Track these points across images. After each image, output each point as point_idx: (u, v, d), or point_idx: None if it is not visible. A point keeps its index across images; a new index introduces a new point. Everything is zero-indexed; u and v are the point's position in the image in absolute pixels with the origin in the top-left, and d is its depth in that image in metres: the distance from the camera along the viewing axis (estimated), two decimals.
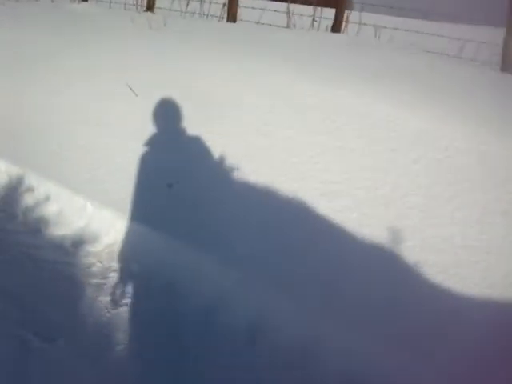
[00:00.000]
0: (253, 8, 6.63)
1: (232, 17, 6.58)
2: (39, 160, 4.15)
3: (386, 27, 5.80)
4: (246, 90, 4.47)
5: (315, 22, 5.87)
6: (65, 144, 4.32)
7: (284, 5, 6.46)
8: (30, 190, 4.00)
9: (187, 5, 6.70)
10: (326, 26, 6.01)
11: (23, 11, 6.96)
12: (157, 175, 3.74)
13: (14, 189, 4.04)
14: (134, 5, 7.23)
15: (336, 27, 6.10)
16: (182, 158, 3.83)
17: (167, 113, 4.17)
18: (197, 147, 3.87)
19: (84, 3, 7.53)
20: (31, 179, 4.09)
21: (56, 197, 3.90)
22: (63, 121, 4.53)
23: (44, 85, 5.02)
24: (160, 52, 5.09)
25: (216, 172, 3.71)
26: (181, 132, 3.95)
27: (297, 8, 6.33)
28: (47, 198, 3.92)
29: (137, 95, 4.38)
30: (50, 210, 3.86)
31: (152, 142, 3.93)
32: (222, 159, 3.73)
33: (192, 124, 4.02)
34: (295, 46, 5.27)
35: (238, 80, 4.62)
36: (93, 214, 3.67)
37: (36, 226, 3.72)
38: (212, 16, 6.64)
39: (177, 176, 3.72)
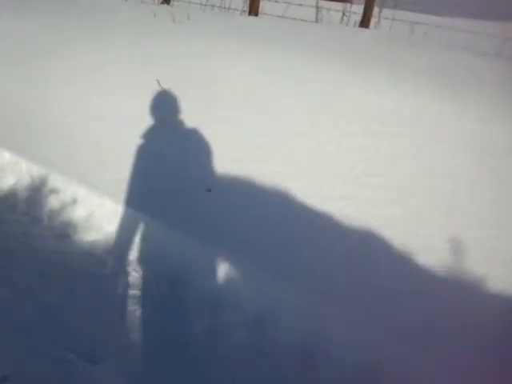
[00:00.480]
0: (276, 1, 6.34)
1: (254, 10, 6.29)
2: (62, 160, 4.01)
3: (419, 23, 5.53)
4: (273, 87, 4.29)
5: (345, 17, 5.54)
6: (86, 142, 4.17)
7: None
8: (55, 191, 3.69)
9: None
10: (355, 22, 5.72)
11: (32, 5, 6.65)
12: (185, 176, 3.66)
13: (37, 190, 3.77)
14: None
15: (364, 22, 5.86)
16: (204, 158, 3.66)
17: (188, 109, 4.06)
18: (217, 144, 3.75)
19: None
20: (55, 180, 3.80)
21: (83, 199, 3.64)
22: (89, 117, 4.37)
23: (67, 81, 4.92)
24: (185, 46, 4.94)
25: (241, 173, 3.57)
26: (199, 130, 3.86)
27: (325, 3, 6.03)
28: (74, 201, 3.65)
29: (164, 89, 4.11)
30: (78, 213, 3.67)
31: (176, 141, 3.85)
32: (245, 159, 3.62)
33: (210, 120, 3.94)
34: (322, 41, 5.02)
35: (264, 77, 4.44)
36: None
37: (63, 231, 3.55)
38: (233, 9, 6.30)
39: (201, 178, 3.60)
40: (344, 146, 3.48)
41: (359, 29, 5.81)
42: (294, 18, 6.12)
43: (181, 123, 3.86)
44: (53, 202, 3.78)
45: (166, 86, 4.25)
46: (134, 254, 3.26)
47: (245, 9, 6.50)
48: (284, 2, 6.33)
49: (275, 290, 2.69)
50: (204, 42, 4.94)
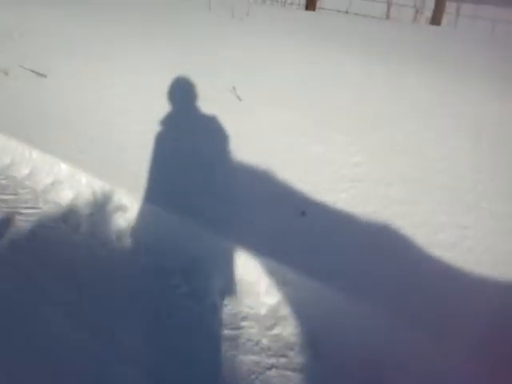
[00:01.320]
0: None
1: (312, 5, 5.89)
2: (125, 176, 3.67)
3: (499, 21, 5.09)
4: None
5: (418, 14, 5.13)
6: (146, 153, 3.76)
7: None
8: (122, 209, 3.28)
9: None
10: (426, 18, 5.30)
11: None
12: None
13: (102, 207, 3.37)
14: None
15: (436, 19, 5.42)
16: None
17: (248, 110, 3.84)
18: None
19: None
20: (121, 196, 3.44)
21: (152, 217, 3.29)
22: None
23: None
24: (246, 44, 4.64)
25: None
26: (282, 138, 3.65)
27: None
28: (143, 220, 3.32)
29: (240, 100, 3.82)
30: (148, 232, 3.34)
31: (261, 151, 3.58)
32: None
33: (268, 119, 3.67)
34: (390, 40, 4.61)
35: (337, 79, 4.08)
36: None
37: (135, 257, 3.18)
38: (289, 4, 5.90)
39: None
40: (461, 165, 3.01)
41: (429, 26, 5.36)
42: (357, 14, 5.65)
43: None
44: (119, 221, 3.36)
45: (233, 83, 3.97)
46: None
47: (301, 3, 6.00)
48: None
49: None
50: (267, 40, 4.54)
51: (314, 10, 6.02)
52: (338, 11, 5.68)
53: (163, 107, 4.02)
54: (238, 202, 3.19)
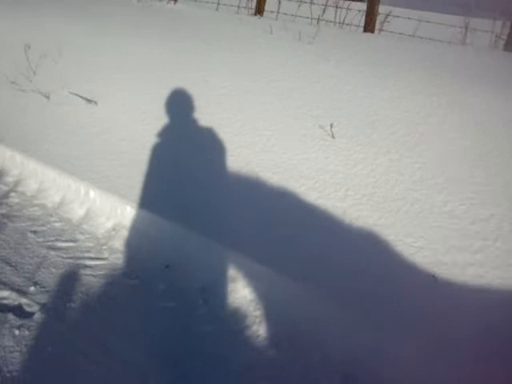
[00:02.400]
0: (399, 17, 5.56)
1: (371, 27, 5.50)
2: (199, 218, 3.30)
3: None
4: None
5: (496, 39, 4.75)
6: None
7: (436, 15, 5.37)
8: (202, 261, 3.04)
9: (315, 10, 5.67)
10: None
11: (110, 12, 5.94)
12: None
13: (180, 259, 2.95)
14: (245, 8, 6.07)
15: (508, 45, 5.03)
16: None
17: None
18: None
19: (179, 4, 6.48)
20: (201, 245, 3.17)
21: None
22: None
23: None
24: (323, 70, 4.30)
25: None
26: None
27: (472, 21, 5.24)
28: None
29: (334, 138, 3.55)
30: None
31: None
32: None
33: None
34: (463, 66, 4.23)
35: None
36: None
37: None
38: (346, 24, 5.52)
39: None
40: None
41: (503, 53, 4.98)
42: (421, 37, 5.27)
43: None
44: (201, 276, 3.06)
45: (321, 117, 3.69)
46: None
47: (360, 24, 5.62)
48: (411, 19, 5.48)
49: None
50: (346, 67, 4.32)
51: (372, 32, 5.61)
52: (401, 34, 5.25)
53: (231, 142, 3.71)
54: None
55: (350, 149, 3.38)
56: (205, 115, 3.88)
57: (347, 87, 3.93)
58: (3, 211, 3.54)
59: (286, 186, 3.18)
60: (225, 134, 3.71)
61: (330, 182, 3.18)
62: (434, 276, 2.66)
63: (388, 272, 2.64)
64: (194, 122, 3.84)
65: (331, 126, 3.37)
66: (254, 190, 3.22)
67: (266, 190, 3.21)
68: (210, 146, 3.63)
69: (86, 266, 3.06)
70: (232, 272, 2.83)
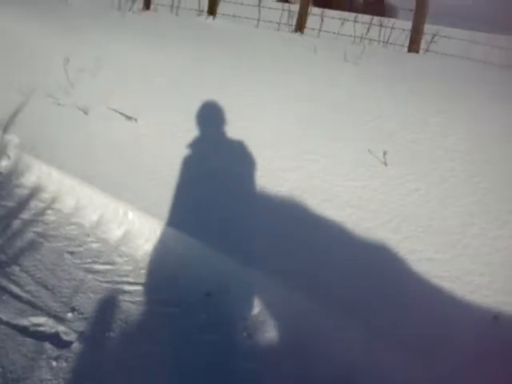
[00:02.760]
0: (446, 37, 5.39)
1: (415, 47, 5.34)
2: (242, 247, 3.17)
3: None
4: None
5: None
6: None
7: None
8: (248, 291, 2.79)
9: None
10: None
11: (148, 26, 5.87)
12: None
13: (222, 287, 2.79)
14: (286, 24, 5.96)
15: None
16: None
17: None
18: None
19: (217, 19, 6.40)
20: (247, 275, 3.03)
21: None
22: None
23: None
24: (372, 92, 4.22)
25: None
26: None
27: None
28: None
29: (386, 165, 3.42)
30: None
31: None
32: None
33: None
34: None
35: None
36: None
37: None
38: (390, 43, 5.36)
39: None
40: None
41: None
42: (470, 59, 5.09)
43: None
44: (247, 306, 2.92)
45: (371, 142, 3.57)
46: None
47: (405, 44, 5.46)
48: (462, 40, 5.31)
49: None
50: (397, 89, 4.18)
51: (417, 51, 5.46)
52: (450, 55, 5.08)
53: (272, 164, 3.61)
54: None
55: (403, 177, 3.23)
56: (244, 137, 3.75)
57: (398, 112, 3.76)
58: (39, 229, 3.45)
59: (335, 215, 3.04)
60: (266, 156, 3.56)
61: (382, 211, 3.02)
62: (495, 317, 2.49)
63: (446, 312, 2.50)
64: (234, 143, 3.74)
65: (384, 153, 3.21)
66: (299, 218, 3.11)
67: (313, 218, 3.09)
68: (249, 168, 3.50)
69: (125, 292, 2.95)
70: (278, 305, 2.67)
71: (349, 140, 3.62)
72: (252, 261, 2.90)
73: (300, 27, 6.35)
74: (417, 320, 2.49)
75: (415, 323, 2.47)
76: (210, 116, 4.07)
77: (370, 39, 5.74)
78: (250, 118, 3.97)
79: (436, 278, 2.65)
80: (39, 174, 4.12)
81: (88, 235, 3.47)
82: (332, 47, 5.01)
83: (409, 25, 5.69)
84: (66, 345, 2.53)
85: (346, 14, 6.32)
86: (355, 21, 5.85)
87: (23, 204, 3.83)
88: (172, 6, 7.05)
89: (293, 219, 3.12)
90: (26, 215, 3.68)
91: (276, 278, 2.78)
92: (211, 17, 6.71)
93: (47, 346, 2.50)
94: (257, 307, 2.77)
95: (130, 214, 3.47)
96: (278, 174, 3.43)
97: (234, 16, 6.88)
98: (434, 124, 3.67)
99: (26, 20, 6.64)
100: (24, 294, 2.85)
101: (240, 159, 3.63)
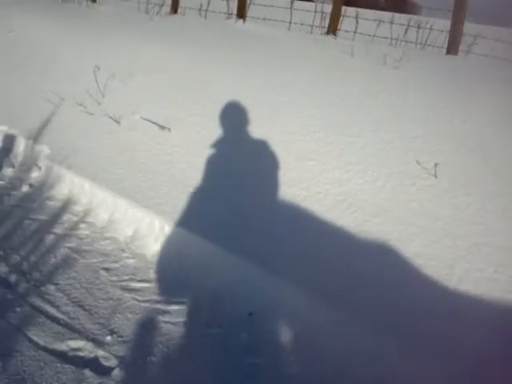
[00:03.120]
0: (486, 38, 5.17)
1: (454, 49, 5.12)
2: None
3: None
4: None
5: None
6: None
7: None
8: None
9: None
10: None
11: (178, 31, 5.76)
12: None
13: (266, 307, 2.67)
14: (318, 27, 5.79)
15: None
16: None
17: None
18: None
19: (248, 23, 6.24)
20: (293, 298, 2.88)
21: None
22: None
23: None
24: (402, 99, 4.00)
25: None
26: None
27: None
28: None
29: (436, 177, 3.27)
30: None
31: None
32: None
33: None
34: None
35: None
36: None
37: None
38: (428, 45, 5.15)
39: None
40: None
41: None
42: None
43: None
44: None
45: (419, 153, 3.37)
46: None
47: (443, 45, 5.24)
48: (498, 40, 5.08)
49: None
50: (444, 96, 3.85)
51: (456, 53, 5.26)
52: (487, 56, 4.87)
53: (318, 177, 3.46)
54: None
55: (455, 190, 3.05)
56: (285, 147, 3.60)
57: (444, 119, 3.59)
58: (73, 244, 3.35)
59: (384, 231, 2.87)
60: (311, 168, 3.42)
61: (434, 228, 2.84)
62: None
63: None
64: (274, 153, 3.59)
65: (435, 165, 3.04)
66: (345, 236, 2.95)
67: (361, 236, 2.90)
68: (294, 180, 3.35)
69: (164, 312, 2.82)
70: (326, 326, 2.52)
71: (393, 150, 3.45)
72: (296, 280, 2.81)
73: (333, 29, 6.17)
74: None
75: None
76: (247, 125, 3.94)
77: (407, 41, 5.52)
78: (287, 126, 3.83)
79: (494, 300, 2.47)
80: (71, 185, 4.02)
81: (123, 250, 3.35)
82: (369, 50, 4.84)
83: (447, 25, 5.47)
84: (107, 371, 2.42)
85: (381, 15, 6.12)
86: (391, 22, 5.64)
87: (55, 217, 3.73)
88: (200, 10, 6.89)
89: (338, 236, 2.96)
90: (58, 229, 3.57)
91: (321, 298, 2.64)
92: (241, 20, 6.56)
93: (87, 373, 2.40)
94: (302, 328, 2.60)
95: (167, 228, 3.33)
96: (321, 186, 3.26)
97: (264, 19, 6.72)
98: (491, 133, 3.47)
99: (53, 27, 6.59)
100: (61, 316, 2.74)
101: (280, 170, 3.48)
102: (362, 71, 4.42)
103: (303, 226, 3.07)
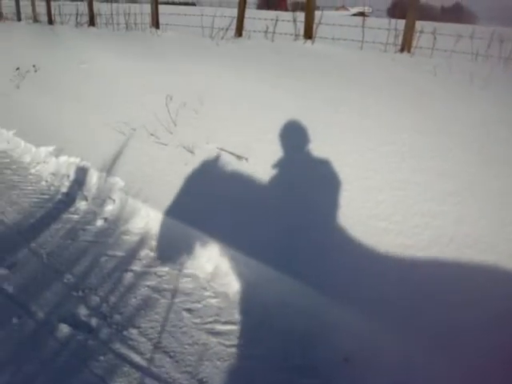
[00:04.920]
0: None
1: None
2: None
3: None
4: None
5: None
6: None
7: None
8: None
9: None
10: None
11: (246, 54, 5.82)
12: None
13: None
14: (393, 44, 5.50)
15: None
16: None
17: None
18: None
19: (316, 43, 6.03)
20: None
21: None
22: None
23: None
24: (495, 127, 3.72)
25: None
26: None
27: None
28: None
29: None
30: None
31: None
32: None
33: None
34: None
35: None
36: None
37: None
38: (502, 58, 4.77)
39: None
40: None
41: None
42: None
43: None
44: None
45: None
46: None
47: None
48: None
49: None
50: None
51: None
52: None
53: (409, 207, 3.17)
54: None
55: None
56: (376, 175, 3.36)
57: None
58: (153, 283, 3.23)
59: (497, 271, 2.57)
60: (404, 199, 3.16)
61: None
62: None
63: None
64: (362, 184, 3.35)
65: None
66: (451, 278, 2.67)
67: (469, 277, 2.63)
68: (385, 213, 3.10)
69: (252, 357, 2.64)
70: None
71: (496, 191, 3.16)
72: (393, 322, 2.63)
73: (408, 46, 5.89)
74: None
75: None
76: (330, 153, 3.72)
77: (488, 56, 5.18)
78: (373, 154, 3.59)
79: None
80: (147, 219, 3.91)
81: (205, 289, 3.22)
82: (451, 68, 4.52)
83: None
84: None
85: (459, 29, 5.81)
86: (472, 36, 5.32)
87: (133, 253, 3.64)
88: (266, 32, 6.75)
89: (442, 277, 2.70)
90: (137, 266, 3.47)
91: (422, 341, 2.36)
92: (309, 41, 6.37)
93: None
94: (407, 377, 2.34)
95: (250, 263, 3.16)
96: (417, 219, 3.00)
97: (333, 38, 6.52)
98: None
99: (122, 57, 6.62)
100: (146, 364, 2.57)
101: (369, 202, 3.24)
102: (449, 92, 4.14)
103: (401, 265, 2.82)
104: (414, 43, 5.87)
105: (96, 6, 9.62)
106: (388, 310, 2.62)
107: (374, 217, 3.14)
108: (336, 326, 2.72)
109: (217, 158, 4.10)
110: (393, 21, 5.86)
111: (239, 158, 3.97)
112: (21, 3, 11.65)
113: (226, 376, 2.55)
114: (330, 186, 3.47)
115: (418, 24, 5.75)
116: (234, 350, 2.74)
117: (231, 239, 3.30)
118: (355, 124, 3.94)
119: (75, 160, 4.89)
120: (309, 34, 6.46)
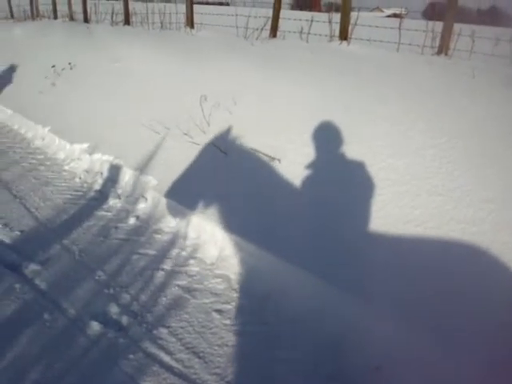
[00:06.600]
0: None
1: None
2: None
3: None
4: None
5: None
6: None
7: None
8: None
9: None
10: None
11: (283, 55, 5.82)
12: None
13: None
14: (430, 47, 5.40)
15: None
16: None
17: None
18: None
19: (352, 45, 5.97)
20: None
21: None
22: None
23: None
24: None
25: None
26: None
27: None
28: None
29: None
30: None
31: None
32: None
33: None
34: None
35: None
36: None
37: None
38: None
39: None
40: None
41: None
42: None
43: None
44: None
45: None
46: None
47: None
48: None
49: None
50: None
51: None
52: None
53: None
54: None
55: None
56: (415, 181, 3.30)
57: None
58: (183, 282, 3.23)
59: None
60: (442, 204, 3.08)
61: None
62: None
63: None
64: (402, 189, 3.29)
65: None
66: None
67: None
68: (422, 218, 3.04)
69: (282, 360, 2.68)
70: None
71: None
72: (428, 330, 2.54)
73: (445, 49, 5.80)
74: None
75: None
76: (367, 155, 3.67)
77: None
78: (414, 158, 3.53)
79: None
80: (179, 219, 3.89)
81: (235, 290, 3.18)
82: (490, 71, 4.44)
83: None
84: None
85: (496, 32, 5.69)
86: (511, 40, 5.20)
87: (164, 252, 3.64)
88: (301, 33, 6.72)
89: (481, 283, 2.63)
90: (167, 265, 3.47)
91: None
92: (344, 42, 6.31)
93: None
94: None
95: (281, 267, 3.12)
96: (452, 225, 2.93)
97: (369, 40, 6.44)
98: None
99: (156, 56, 6.69)
100: (175, 364, 2.57)
101: (407, 207, 3.18)
102: (488, 96, 4.04)
103: (437, 272, 2.76)
104: (452, 45, 5.74)
105: (131, 4, 9.71)
106: (425, 315, 2.57)
107: (409, 222, 3.07)
108: (366, 330, 2.67)
109: (249, 159, 4.07)
110: (430, 23, 5.75)
111: (272, 158, 3.95)
112: (57, 1, 11.84)
113: (256, 378, 2.53)
114: (364, 190, 3.41)
115: (456, 26, 5.62)
116: (265, 353, 2.70)
117: (263, 240, 3.25)
118: (393, 128, 3.88)
119: (109, 158, 4.92)
120: (344, 35, 6.40)
